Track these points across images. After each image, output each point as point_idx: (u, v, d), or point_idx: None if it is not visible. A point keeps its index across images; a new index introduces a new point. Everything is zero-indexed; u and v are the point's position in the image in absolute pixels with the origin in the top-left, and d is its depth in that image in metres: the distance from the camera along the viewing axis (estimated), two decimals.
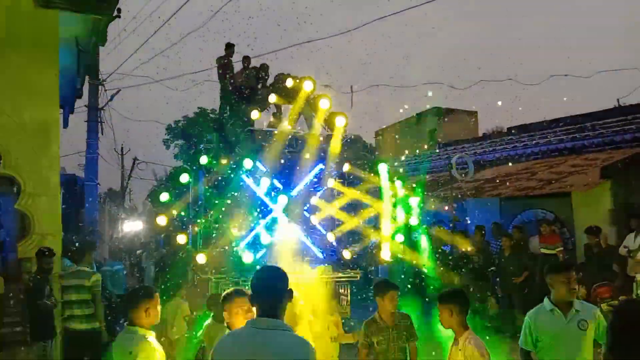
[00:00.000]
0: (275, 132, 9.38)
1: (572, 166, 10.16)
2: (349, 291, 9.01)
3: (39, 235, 6.72)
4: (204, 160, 8.59)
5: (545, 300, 3.75)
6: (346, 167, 9.41)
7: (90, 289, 6.34)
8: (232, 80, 9.99)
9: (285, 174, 9.29)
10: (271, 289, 2.54)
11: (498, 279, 9.63)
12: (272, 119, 9.97)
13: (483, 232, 10.66)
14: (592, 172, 9.22)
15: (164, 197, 8.44)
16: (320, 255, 9.41)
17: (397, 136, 21.17)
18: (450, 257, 10.22)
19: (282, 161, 9.22)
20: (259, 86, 9.88)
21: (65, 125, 12.50)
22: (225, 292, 3.88)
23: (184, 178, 8.63)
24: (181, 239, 8.26)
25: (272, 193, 9.32)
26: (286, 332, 2.47)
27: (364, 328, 4.58)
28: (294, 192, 9.20)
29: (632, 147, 9.91)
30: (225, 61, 10.09)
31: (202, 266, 8.58)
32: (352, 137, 9.79)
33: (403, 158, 17.80)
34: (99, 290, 6.48)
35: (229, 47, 10.13)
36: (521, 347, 3.82)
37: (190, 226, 9.50)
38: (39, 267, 6.25)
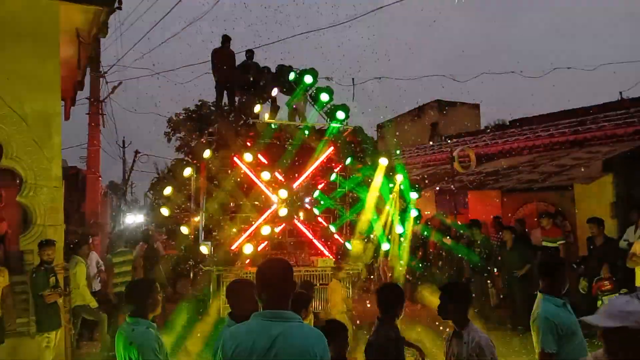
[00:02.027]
0: (275, 125, 9.37)
1: (575, 159, 10.13)
2: (351, 284, 9.05)
3: (41, 227, 6.73)
4: (207, 154, 8.61)
5: (550, 297, 3.62)
6: (348, 160, 9.40)
7: (132, 261, 8.65)
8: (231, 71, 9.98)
9: (287, 166, 9.29)
10: (280, 281, 2.52)
11: (499, 272, 9.61)
12: (270, 111, 9.98)
13: (481, 225, 10.66)
14: (595, 165, 9.19)
15: (167, 191, 8.57)
16: (322, 248, 9.43)
17: (405, 127, 21.15)
18: (452, 250, 10.22)
19: (283, 154, 9.22)
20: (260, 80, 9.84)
21: (67, 117, 12.48)
22: None
23: (187, 172, 8.70)
24: (184, 230, 8.67)
25: (274, 186, 9.33)
26: (301, 324, 2.46)
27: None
28: (296, 185, 9.20)
29: (635, 140, 9.88)
30: (224, 53, 10.06)
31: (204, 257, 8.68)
32: (355, 128, 9.76)
33: (405, 151, 17.79)
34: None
35: (226, 39, 10.08)
36: (548, 352, 3.47)
37: (190, 219, 9.52)
38: (40, 259, 6.27)
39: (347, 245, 9.16)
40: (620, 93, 15.69)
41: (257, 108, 9.15)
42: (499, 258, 9.41)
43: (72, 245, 7.95)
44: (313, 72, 9.46)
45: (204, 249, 8.58)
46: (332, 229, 9.45)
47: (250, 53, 10.23)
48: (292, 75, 9.35)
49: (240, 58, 10.60)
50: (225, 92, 10.36)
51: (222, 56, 9.97)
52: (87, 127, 14.48)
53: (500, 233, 9.98)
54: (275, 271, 2.58)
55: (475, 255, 9.54)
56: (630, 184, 9.23)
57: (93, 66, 11.76)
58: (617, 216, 9.11)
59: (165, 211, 8.59)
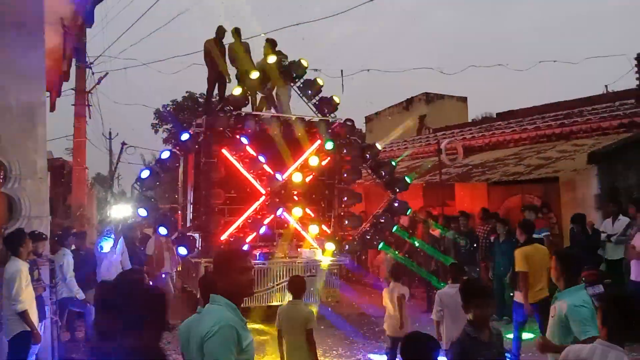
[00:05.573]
0: (265, 116, 9.35)
1: (560, 152, 10.24)
2: (338, 275, 9.10)
3: (26, 219, 6.65)
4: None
5: None
6: (329, 145, 9.41)
7: None
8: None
9: (276, 158, 9.28)
10: (221, 266, 2.73)
11: (485, 262, 9.67)
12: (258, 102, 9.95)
13: (469, 217, 10.73)
14: (580, 158, 9.30)
15: (145, 173, 8.44)
16: (309, 239, 9.46)
17: (389, 118, 21.20)
18: (439, 241, 10.28)
19: (272, 145, 9.21)
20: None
21: (52, 108, 12.32)
22: None
23: (165, 154, 8.61)
24: (162, 230, 8.42)
25: (262, 177, 9.32)
26: (218, 308, 2.57)
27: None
28: (285, 176, 9.20)
29: (619, 133, 10.00)
30: (217, 44, 9.97)
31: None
32: (344, 120, 9.77)
33: (392, 143, 17.84)
34: None
35: (220, 30, 9.97)
36: None
37: (178, 210, 9.50)
38: (32, 250, 6.18)
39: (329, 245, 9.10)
40: (606, 86, 15.85)
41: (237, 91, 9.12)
42: (488, 249, 9.49)
43: (57, 237, 7.88)
44: (302, 63, 9.44)
45: (192, 240, 8.56)
46: (319, 222, 9.48)
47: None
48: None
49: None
50: (216, 83, 10.26)
51: (214, 47, 9.85)
52: (72, 119, 14.32)
53: (487, 225, 10.06)
54: (218, 259, 2.86)
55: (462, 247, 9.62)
56: (614, 176, 9.35)
57: (79, 57, 11.61)
58: (602, 208, 9.23)
59: (143, 212, 8.44)
